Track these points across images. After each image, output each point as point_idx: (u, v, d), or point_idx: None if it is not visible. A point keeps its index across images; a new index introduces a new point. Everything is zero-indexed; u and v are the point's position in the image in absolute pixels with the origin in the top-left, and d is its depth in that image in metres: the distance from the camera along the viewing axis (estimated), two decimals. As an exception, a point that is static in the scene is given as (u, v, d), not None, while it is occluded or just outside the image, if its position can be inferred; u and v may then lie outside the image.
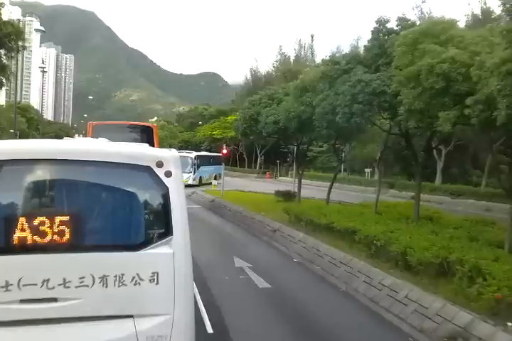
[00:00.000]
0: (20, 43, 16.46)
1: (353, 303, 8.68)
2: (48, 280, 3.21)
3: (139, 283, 3.40)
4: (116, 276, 3.35)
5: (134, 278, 3.39)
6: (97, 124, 15.01)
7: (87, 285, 3.29)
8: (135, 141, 11.38)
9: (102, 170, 3.54)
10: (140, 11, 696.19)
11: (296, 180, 21.99)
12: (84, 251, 3.38)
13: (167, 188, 3.60)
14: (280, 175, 56.00)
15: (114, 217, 3.60)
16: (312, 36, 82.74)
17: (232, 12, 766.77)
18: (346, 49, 51.36)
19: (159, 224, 3.60)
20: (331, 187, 18.09)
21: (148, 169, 3.59)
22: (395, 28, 11.97)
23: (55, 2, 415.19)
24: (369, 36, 12.44)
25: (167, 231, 3.55)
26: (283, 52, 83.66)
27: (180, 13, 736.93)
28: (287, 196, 21.24)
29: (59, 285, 3.24)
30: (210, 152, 50.00)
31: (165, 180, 3.60)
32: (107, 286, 3.34)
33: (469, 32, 9.75)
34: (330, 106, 11.95)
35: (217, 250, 13.23)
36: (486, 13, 42.47)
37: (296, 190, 20.96)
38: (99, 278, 3.32)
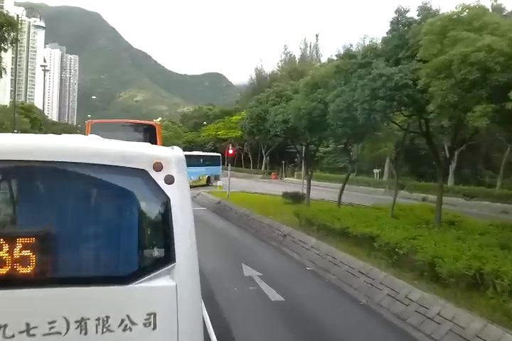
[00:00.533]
0: (12, 34, 15.67)
1: (377, 319, 7.86)
2: (5, 326, 2.34)
3: (130, 328, 2.50)
4: (99, 319, 2.46)
5: (123, 321, 2.50)
6: (95, 123, 14.17)
7: (60, 333, 2.40)
8: (137, 140, 10.58)
9: (82, 175, 2.63)
10: (144, 11, 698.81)
11: (305, 181, 21.20)
12: (56, 285, 2.47)
13: (168, 198, 2.69)
14: (286, 176, 55.25)
15: (96, 239, 2.69)
16: (317, 35, 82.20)
17: (237, 12, 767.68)
18: (353, 48, 50.42)
19: (157, 247, 2.70)
20: (342, 189, 17.21)
21: (142, 173, 2.69)
22: (416, 18, 11.12)
23: (60, 3, 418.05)
24: (374, 35, 11.73)
25: (168, 256, 2.64)
26: (288, 51, 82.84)
27: (184, 14, 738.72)
28: (296, 198, 20.52)
29: (20, 332, 2.36)
30: (214, 152, 49.15)
31: (165, 187, 2.69)
32: (86, 333, 2.44)
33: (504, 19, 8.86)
34: (345, 104, 11.15)
35: (223, 256, 12.48)
36: (497, 9, 41.49)
37: (304, 191, 20.17)
38: (76, 322, 2.43)
